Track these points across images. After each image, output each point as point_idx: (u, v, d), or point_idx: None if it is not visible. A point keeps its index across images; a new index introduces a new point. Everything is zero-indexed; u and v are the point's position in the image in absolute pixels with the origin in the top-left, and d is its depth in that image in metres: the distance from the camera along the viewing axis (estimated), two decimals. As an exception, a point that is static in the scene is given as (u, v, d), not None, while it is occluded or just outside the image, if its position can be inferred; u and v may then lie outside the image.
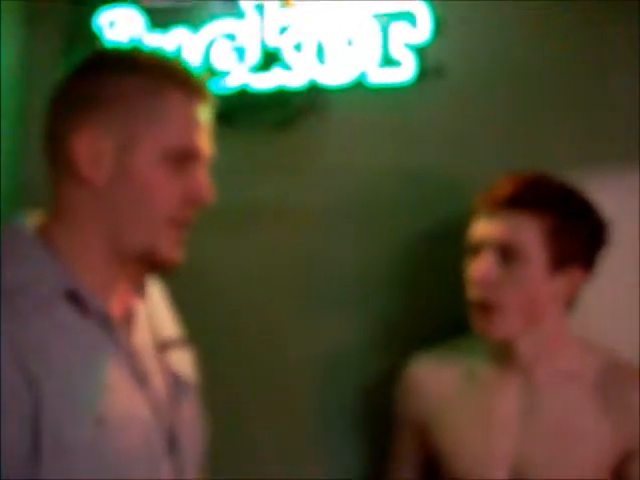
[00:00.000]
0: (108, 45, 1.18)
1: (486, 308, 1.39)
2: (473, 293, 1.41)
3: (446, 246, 1.65)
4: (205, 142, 1.11)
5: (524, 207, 1.37)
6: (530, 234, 1.36)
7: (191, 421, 1.18)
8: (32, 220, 1.11)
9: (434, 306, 1.70)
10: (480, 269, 1.38)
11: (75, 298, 1.04)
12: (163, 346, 1.18)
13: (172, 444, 1.12)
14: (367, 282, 1.76)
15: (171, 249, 1.10)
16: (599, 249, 1.42)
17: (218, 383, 1.32)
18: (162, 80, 1.07)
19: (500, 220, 1.38)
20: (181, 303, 1.30)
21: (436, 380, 1.52)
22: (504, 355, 1.45)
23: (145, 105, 1.06)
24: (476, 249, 1.42)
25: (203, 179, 1.10)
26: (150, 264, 1.11)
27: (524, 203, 1.37)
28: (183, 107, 1.08)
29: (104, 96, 1.06)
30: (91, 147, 1.05)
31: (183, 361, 1.21)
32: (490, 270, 1.37)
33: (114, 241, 1.08)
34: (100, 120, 1.05)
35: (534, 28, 1.66)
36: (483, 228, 1.41)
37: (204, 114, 1.11)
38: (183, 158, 1.08)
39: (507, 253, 1.37)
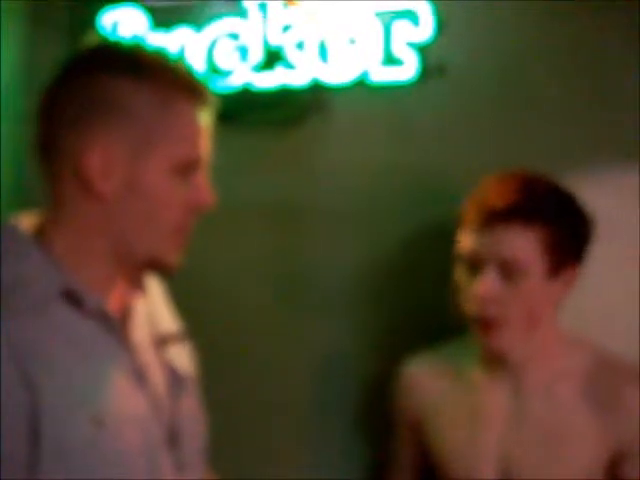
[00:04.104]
0: (107, 40, 1.16)
1: (489, 324, 1.37)
2: (475, 309, 1.38)
3: (448, 246, 1.64)
4: (206, 147, 1.11)
5: (521, 220, 1.33)
6: (530, 247, 1.34)
7: (191, 415, 1.18)
8: (29, 221, 1.10)
9: (432, 307, 1.69)
10: (483, 287, 1.35)
11: (72, 297, 1.04)
12: (161, 341, 1.18)
13: (172, 439, 1.12)
14: (368, 282, 1.75)
15: (174, 255, 1.11)
16: (589, 244, 1.40)
17: (214, 384, 1.31)
18: (170, 89, 1.06)
19: (498, 235, 1.34)
20: (181, 300, 1.30)
21: (428, 382, 1.52)
22: (495, 358, 1.43)
23: (155, 117, 1.05)
24: (472, 263, 1.38)
25: (205, 185, 1.11)
26: (152, 268, 1.13)
27: (521, 216, 1.33)
28: (189, 116, 1.08)
29: (114, 106, 1.04)
30: (103, 162, 1.04)
31: (181, 355, 1.21)
32: (493, 287, 1.35)
33: (118, 249, 1.08)
34: (112, 133, 1.04)
35: (535, 27, 1.65)
36: (479, 243, 1.36)
37: (206, 118, 1.11)
38: (189, 167, 1.08)
39: (508, 269, 1.34)
